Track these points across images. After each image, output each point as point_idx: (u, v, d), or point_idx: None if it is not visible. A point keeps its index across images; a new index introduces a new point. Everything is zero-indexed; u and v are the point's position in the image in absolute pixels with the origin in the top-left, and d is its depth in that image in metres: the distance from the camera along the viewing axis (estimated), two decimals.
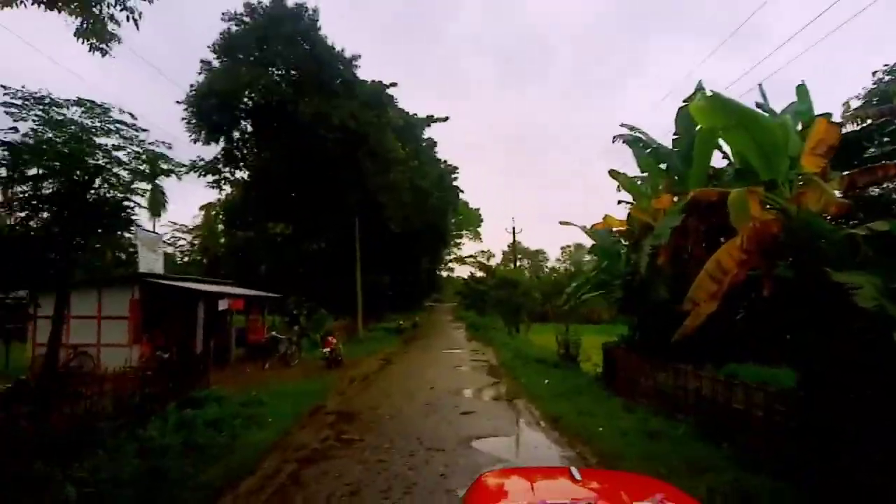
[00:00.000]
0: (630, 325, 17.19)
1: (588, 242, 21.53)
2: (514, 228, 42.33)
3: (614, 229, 18.04)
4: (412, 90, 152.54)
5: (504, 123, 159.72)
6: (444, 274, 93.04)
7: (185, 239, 55.86)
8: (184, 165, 11.24)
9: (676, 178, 16.35)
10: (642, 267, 12.26)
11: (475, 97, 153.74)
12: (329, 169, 29.14)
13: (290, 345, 20.58)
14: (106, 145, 10.02)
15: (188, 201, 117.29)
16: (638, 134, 16.59)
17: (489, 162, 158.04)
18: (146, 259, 18.52)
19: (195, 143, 29.63)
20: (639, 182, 18.10)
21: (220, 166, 30.23)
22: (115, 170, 9.97)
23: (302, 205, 30.18)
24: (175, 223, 46.04)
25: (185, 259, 55.41)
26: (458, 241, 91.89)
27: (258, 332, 22.93)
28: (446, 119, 49.44)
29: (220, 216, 31.44)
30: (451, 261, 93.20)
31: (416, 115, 45.49)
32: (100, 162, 9.71)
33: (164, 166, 10.45)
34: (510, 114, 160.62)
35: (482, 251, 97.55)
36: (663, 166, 15.61)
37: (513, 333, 34.52)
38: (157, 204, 55.69)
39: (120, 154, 10.15)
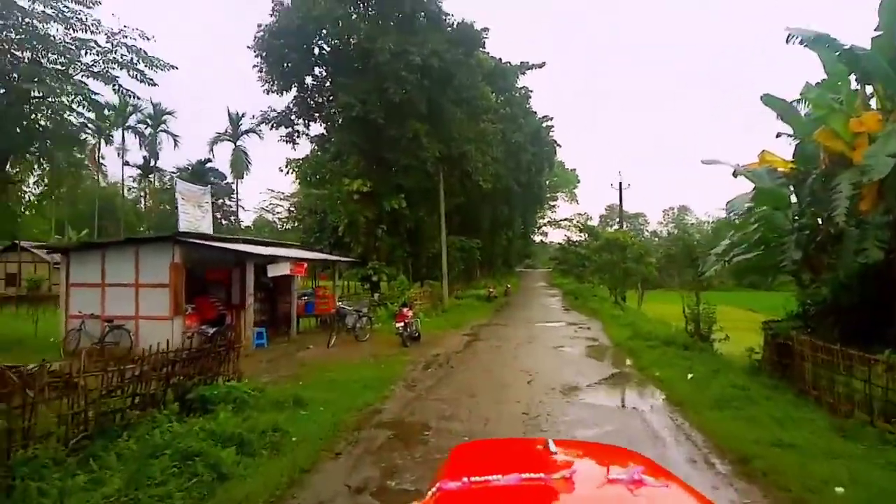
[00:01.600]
0: (805, 296, 12.72)
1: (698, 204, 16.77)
2: (620, 184, 37.07)
3: (778, 169, 13.36)
4: (503, 32, 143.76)
5: (604, 71, 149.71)
6: (537, 238, 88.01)
7: (282, 206, 55.20)
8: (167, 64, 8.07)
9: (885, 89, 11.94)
10: (839, 214, 9.52)
11: (573, 39, 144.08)
12: (410, 116, 25.55)
13: (360, 317, 17.47)
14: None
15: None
16: (820, 32, 12.01)
17: (585, 117, 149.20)
18: (189, 216, 15.86)
19: (268, 93, 26.99)
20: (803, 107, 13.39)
21: (292, 118, 27.40)
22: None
23: (381, 159, 26.90)
24: (272, 190, 44.83)
25: (286, 226, 54.71)
26: (553, 203, 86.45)
27: (328, 301, 20.01)
28: (542, 65, 44.19)
29: (295, 173, 28.76)
30: (544, 224, 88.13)
31: (508, 62, 40.77)
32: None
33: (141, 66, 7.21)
34: (610, 59, 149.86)
35: (578, 214, 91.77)
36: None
37: (620, 303, 29.95)
38: (240, 164, 55.15)
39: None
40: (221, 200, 60.96)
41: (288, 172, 28.43)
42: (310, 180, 29.49)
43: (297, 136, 27.76)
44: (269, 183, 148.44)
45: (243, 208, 64.71)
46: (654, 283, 28.86)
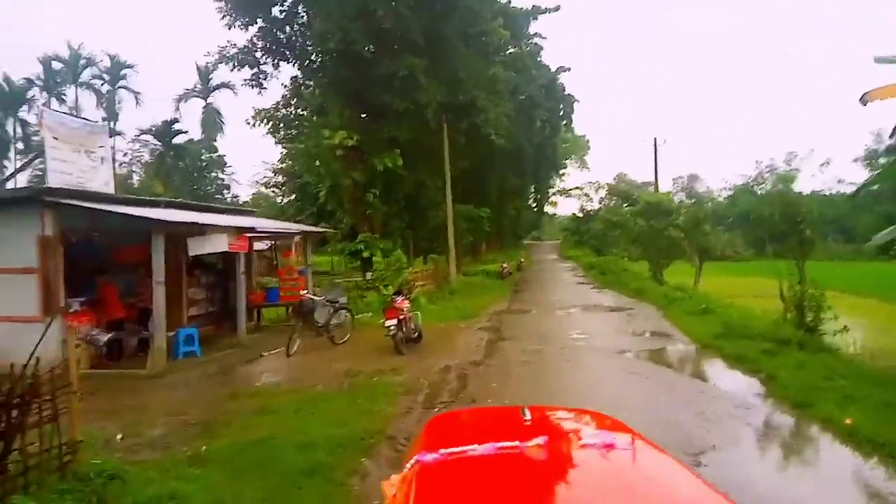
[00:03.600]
0: None
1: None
2: (655, 140, 31.74)
3: None
4: None
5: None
6: (548, 209, 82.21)
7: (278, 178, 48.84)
8: None
9: None
10: None
11: None
12: (405, 50, 20.17)
13: (335, 310, 12.37)
14: None
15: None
16: None
17: (595, 78, 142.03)
18: (66, 165, 10.65)
19: (230, 28, 21.55)
20: None
21: (257, 54, 21.90)
22: None
23: (369, 105, 21.54)
24: (266, 162, 38.67)
25: (286, 201, 48.52)
26: (562, 171, 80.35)
27: (298, 286, 14.88)
28: (557, 9, 38.17)
29: (267, 126, 23.31)
30: (554, 193, 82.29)
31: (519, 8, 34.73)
32: None
33: None
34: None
35: (590, 182, 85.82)
36: None
37: (659, 279, 24.82)
38: (212, 123, 48.98)
39: None
40: (214, 174, 55.62)
41: (255, 125, 23.01)
42: (283, 134, 24.05)
43: (264, 79, 22.29)
44: (265, 153, 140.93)
45: (237, 181, 58.56)
46: (714, 254, 23.52)
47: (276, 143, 24.40)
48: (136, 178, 54.70)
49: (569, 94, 40.82)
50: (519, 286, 27.91)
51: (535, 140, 40.83)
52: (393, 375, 9.53)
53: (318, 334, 12.14)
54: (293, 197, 26.84)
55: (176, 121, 46.74)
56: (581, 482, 1.87)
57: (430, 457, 1.88)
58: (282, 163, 26.71)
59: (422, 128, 22.08)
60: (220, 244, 10.96)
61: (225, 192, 54.43)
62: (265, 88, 22.50)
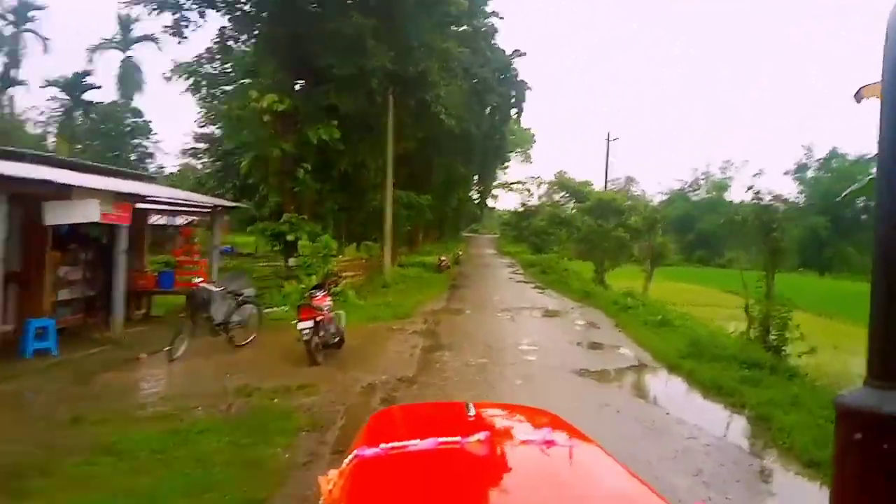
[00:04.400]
0: None
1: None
2: (608, 136, 30.56)
3: None
4: None
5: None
6: (489, 202, 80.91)
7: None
8: None
9: None
10: None
11: None
12: (352, 8, 17.84)
13: (238, 305, 10.08)
14: None
15: None
16: None
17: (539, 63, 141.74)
18: None
19: None
20: None
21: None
22: None
23: (307, 69, 19.04)
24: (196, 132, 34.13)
25: (204, 170, 44.00)
26: (506, 163, 78.98)
27: (200, 270, 12.41)
28: None
29: (188, 82, 20.27)
30: (495, 186, 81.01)
31: None
32: None
33: None
34: None
35: (532, 177, 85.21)
36: None
37: (604, 281, 23.64)
38: (130, 79, 44.28)
39: None
40: (137, 141, 50.46)
41: (173, 79, 19.99)
42: (206, 93, 21.07)
43: (186, 27, 19.30)
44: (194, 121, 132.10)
45: (163, 150, 53.41)
46: (667, 258, 22.37)
47: (197, 103, 21.40)
48: (51, 139, 50.37)
49: (522, 81, 39.22)
50: (458, 281, 26.11)
51: (484, 127, 39.08)
52: (300, 396, 7.45)
53: (213, 334, 9.82)
54: (216, 167, 23.86)
55: (88, 73, 41.69)
56: (520, 477, 1.87)
57: (369, 451, 1.88)
58: (201, 126, 23.67)
59: (365, 99, 19.78)
60: (89, 212, 8.48)
61: (148, 160, 50.49)
62: (186, 38, 19.49)
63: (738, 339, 11.85)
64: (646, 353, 11.25)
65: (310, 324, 8.88)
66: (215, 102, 19.86)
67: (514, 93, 39.40)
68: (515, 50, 38.82)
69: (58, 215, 8.28)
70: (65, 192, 8.43)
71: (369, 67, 17.95)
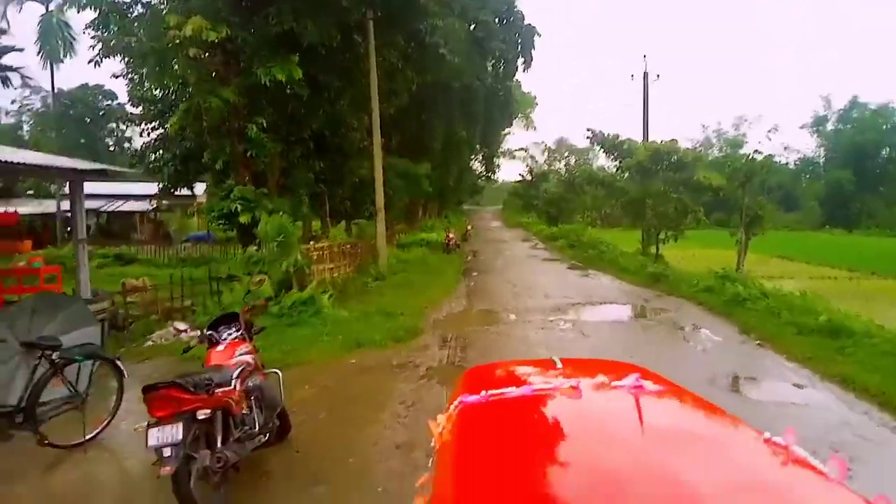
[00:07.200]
0: None
1: None
2: (645, 75, 24.99)
3: None
4: None
5: None
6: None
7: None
8: None
9: None
10: None
11: None
12: None
13: (51, 372, 4.71)
14: None
15: None
16: None
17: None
18: None
19: None
20: None
21: None
22: None
23: None
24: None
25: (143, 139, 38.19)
26: (508, 128, 72.51)
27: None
28: None
29: (83, 10, 14.53)
30: (499, 154, 74.84)
31: None
32: None
33: None
34: None
35: (535, 143, 79.23)
36: None
37: (656, 256, 18.27)
38: (52, 38, 37.01)
39: None
40: (114, 124, 46.95)
41: (68, 8, 14.26)
42: (117, 31, 15.33)
43: None
44: None
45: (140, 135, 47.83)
46: (765, 225, 16.46)
47: (102, 49, 15.59)
48: (26, 128, 48.82)
49: (529, 25, 33.33)
50: (473, 264, 20.80)
51: (487, 81, 33.46)
52: None
53: (6, 428, 4.50)
54: (154, 135, 18.30)
55: (3, 31, 34.19)
56: (612, 419, 1.83)
57: (472, 398, 1.94)
58: (124, 76, 17.86)
59: (336, 28, 14.26)
60: None
61: (126, 145, 46.18)
62: None
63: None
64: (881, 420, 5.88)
65: (175, 431, 3.54)
66: (127, 39, 14.22)
67: (519, 38, 33.50)
68: None
69: None
70: None
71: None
